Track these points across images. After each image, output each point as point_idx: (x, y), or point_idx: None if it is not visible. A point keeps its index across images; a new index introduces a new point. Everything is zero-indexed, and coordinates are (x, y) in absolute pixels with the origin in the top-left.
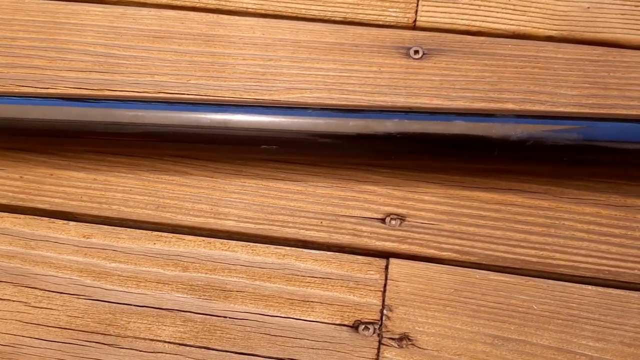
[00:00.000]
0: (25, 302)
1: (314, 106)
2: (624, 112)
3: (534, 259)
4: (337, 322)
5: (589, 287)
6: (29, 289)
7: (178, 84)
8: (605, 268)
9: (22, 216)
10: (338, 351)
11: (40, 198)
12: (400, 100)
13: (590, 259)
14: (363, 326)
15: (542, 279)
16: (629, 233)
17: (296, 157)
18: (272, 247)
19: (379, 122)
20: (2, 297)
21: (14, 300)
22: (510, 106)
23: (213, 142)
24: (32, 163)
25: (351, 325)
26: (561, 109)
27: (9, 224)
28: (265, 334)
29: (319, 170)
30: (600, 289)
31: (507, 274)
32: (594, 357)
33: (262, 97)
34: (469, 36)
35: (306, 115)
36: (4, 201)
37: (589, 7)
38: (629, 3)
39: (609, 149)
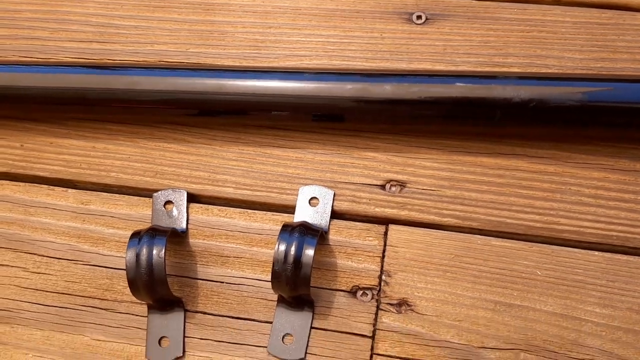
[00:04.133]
0: (24, 268)
1: (310, 70)
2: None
3: (539, 225)
4: (335, 287)
5: (596, 252)
6: (28, 254)
7: (177, 53)
8: (614, 234)
9: (22, 184)
10: (335, 316)
11: (40, 166)
12: (402, 66)
13: (597, 225)
14: (361, 292)
15: (546, 245)
16: (639, 198)
17: (293, 122)
18: (269, 213)
19: (377, 85)
20: (1, 263)
21: (12, 266)
22: (515, 70)
23: (208, 107)
24: (33, 132)
25: (349, 290)
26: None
27: (9, 191)
28: (261, 298)
29: (318, 137)
30: (607, 254)
31: (510, 240)
32: (600, 324)
33: (262, 65)
34: (474, 1)
35: (302, 80)
36: (4, 169)
37: None
38: None
39: (615, 110)
